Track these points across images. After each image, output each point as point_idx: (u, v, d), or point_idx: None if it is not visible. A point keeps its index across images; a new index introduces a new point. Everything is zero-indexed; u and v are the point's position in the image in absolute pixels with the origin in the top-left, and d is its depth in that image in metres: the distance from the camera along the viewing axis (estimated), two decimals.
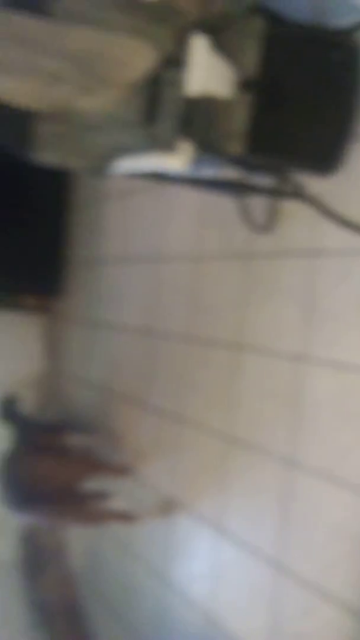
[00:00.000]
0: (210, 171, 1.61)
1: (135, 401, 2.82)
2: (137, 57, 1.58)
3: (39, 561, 3.22)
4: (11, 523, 3.39)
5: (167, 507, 2.47)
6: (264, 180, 1.81)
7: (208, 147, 1.43)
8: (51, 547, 3.22)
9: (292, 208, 1.96)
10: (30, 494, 2.40)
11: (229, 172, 1.72)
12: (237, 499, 2.18)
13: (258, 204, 2.06)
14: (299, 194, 1.68)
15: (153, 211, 2.81)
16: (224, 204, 2.26)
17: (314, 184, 1.76)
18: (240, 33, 1.60)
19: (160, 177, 1.65)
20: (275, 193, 1.81)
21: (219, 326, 2.36)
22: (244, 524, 2.14)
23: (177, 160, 1.39)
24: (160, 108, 1.54)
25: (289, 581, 1.90)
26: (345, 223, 1.67)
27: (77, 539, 3.23)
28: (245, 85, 1.52)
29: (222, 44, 1.56)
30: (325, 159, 1.59)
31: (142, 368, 2.82)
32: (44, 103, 1.53)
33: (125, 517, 2.54)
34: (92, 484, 2.61)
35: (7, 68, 1.49)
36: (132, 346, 2.92)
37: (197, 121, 1.48)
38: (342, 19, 1.64)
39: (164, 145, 1.43)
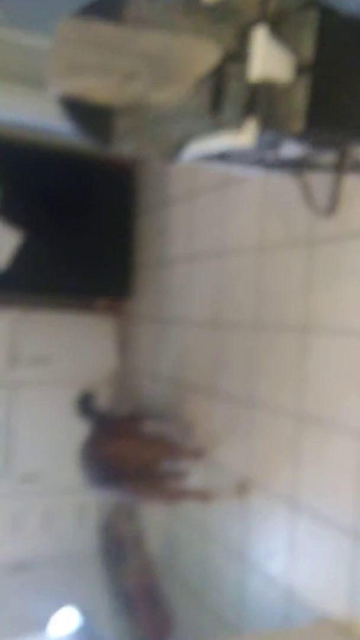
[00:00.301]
0: (272, 152, 1.73)
1: (206, 390, 2.93)
2: (202, 54, 1.73)
3: (119, 550, 3.35)
4: (91, 514, 3.56)
5: (242, 487, 2.55)
6: (325, 157, 1.91)
7: (272, 126, 1.56)
8: (130, 536, 3.35)
9: (353, 189, 2.05)
10: (110, 473, 2.54)
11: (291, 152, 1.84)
12: (311, 474, 2.25)
13: (320, 188, 2.16)
14: (358, 168, 1.77)
15: (216, 209, 2.94)
16: (286, 195, 2.38)
17: None
18: (297, 25, 1.72)
19: (226, 158, 1.78)
20: (336, 168, 1.91)
21: (285, 311, 2.46)
22: (319, 497, 2.20)
23: (244, 137, 1.52)
24: (225, 98, 1.68)
25: None
26: None
27: (155, 526, 3.34)
28: (303, 69, 1.65)
29: (280, 35, 1.69)
30: None
31: (211, 358, 2.93)
32: (120, 99, 1.70)
33: (201, 495, 2.64)
34: (168, 465, 2.74)
35: (87, 69, 1.67)
36: (201, 339, 3.05)
37: (260, 104, 1.60)
38: None
39: (230, 128, 1.56)
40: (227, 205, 2.87)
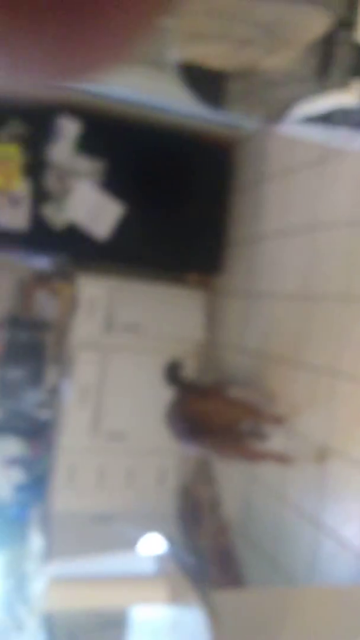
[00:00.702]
0: None
1: (291, 361, 3.02)
2: (315, 22, 1.82)
3: (195, 512, 3.50)
4: (172, 476, 3.72)
5: (321, 453, 2.62)
6: None
7: None
8: (207, 499, 3.49)
9: None
10: (195, 430, 2.68)
11: None
12: None
13: None
14: None
15: (312, 185, 3.01)
16: None
17: None
18: None
19: (331, 120, 1.86)
20: None
21: None
22: None
23: (349, 96, 1.60)
24: (333, 62, 1.77)
25: None
26: None
27: (232, 490, 3.46)
28: None
29: None
30: None
31: (297, 331, 3.01)
32: (233, 64, 1.82)
33: (281, 458, 2.73)
34: (251, 427, 2.85)
35: (204, 36, 1.81)
36: (288, 312, 3.13)
37: None
38: None
39: (337, 90, 1.65)
40: (323, 180, 2.94)
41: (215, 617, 1.39)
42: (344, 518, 2.52)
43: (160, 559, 1.77)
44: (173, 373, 3.27)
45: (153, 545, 1.85)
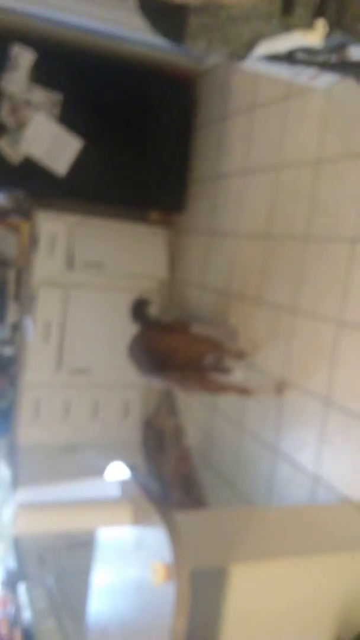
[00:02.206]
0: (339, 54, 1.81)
1: (252, 299, 3.11)
2: None
3: (159, 441, 3.65)
4: (136, 408, 3.85)
5: (280, 385, 2.76)
6: None
7: (341, 27, 1.63)
8: (170, 429, 3.64)
9: None
10: (160, 362, 2.78)
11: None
12: (346, 374, 2.42)
13: None
14: None
15: (276, 123, 3.02)
16: (349, 106, 2.43)
17: None
18: None
19: (293, 59, 1.87)
20: None
21: (337, 223, 2.56)
22: (351, 395, 2.38)
23: (313, 36, 1.61)
24: (297, 2, 1.75)
25: None
26: None
27: (194, 420, 3.62)
28: None
29: None
30: None
31: (259, 269, 3.08)
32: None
33: (242, 390, 2.86)
34: (213, 361, 2.96)
35: None
36: (250, 251, 3.19)
37: (330, 7, 1.67)
38: None
39: (300, 29, 1.65)
40: (286, 118, 2.94)
41: (176, 535, 1.51)
42: (298, 446, 2.68)
43: (124, 484, 1.88)
44: (140, 310, 3.30)
45: (118, 472, 1.96)
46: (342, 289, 2.49)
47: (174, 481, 3.43)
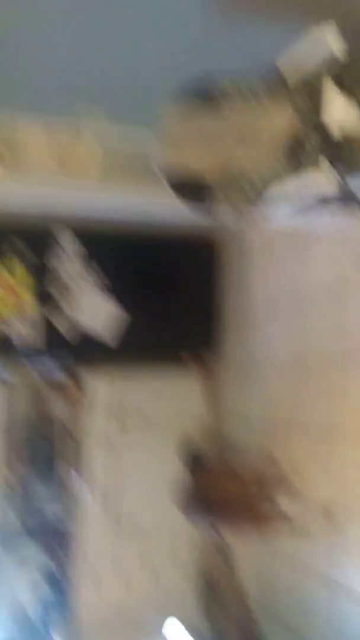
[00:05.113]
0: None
1: (290, 425, 3.14)
2: (280, 118, 2.11)
3: (218, 597, 3.44)
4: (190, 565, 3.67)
5: (329, 513, 2.67)
6: None
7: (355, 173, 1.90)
8: (227, 582, 3.45)
9: None
10: (208, 504, 2.75)
11: None
12: None
13: None
14: None
15: (293, 259, 3.30)
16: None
17: None
18: None
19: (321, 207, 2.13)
20: None
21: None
22: None
23: (320, 179, 1.87)
24: (304, 153, 2.04)
25: None
26: None
27: (249, 564, 3.47)
28: None
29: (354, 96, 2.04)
30: None
31: (295, 396, 3.17)
32: (209, 162, 2.10)
33: (293, 522, 2.78)
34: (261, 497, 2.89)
35: (182, 139, 2.11)
36: (284, 379, 3.30)
37: (345, 157, 1.95)
38: None
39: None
40: (302, 255, 3.22)
41: None
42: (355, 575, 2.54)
43: None
44: (197, 464, 3.31)
45: (175, 630, 1.88)
46: None
47: (237, 637, 3.17)
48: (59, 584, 3.61)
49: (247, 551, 3.45)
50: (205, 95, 2.11)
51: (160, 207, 3.40)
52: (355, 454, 2.64)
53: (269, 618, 3.21)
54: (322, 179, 1.94)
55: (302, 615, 2.93)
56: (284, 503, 2.90)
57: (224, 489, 2.84)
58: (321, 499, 2.80)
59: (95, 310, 3.77)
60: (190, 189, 2.18)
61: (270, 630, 3.16)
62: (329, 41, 1.97)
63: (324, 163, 1.93)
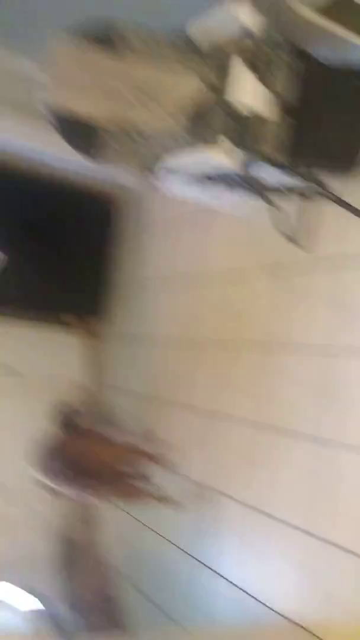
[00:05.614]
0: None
1: (171, 403, 3.08)
2: (185, 85, 1.93)
3: (73, 557, 3.41)
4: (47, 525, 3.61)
5: (202, 492, 2.68)
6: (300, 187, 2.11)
7: (256, 155, 1.76)
8: (85, 543, 3.42)
9: (327, 219, 2.24)
10: (75, 470, 2.64)
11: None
12: (266, 477, 2.39)
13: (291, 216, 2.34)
14: (324, 193, 1.98)
15: (189, 238, 3.17)
16: (256, 224, 2.58)
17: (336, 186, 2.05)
18: (277, 67, 1.93)
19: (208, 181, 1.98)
20: (306, 193, 2.12)
21: (250, 329, 2.64)
22: (271, 499, 2.34)
23: (219, 153, 1.72)
24: (204, 123, 1.87)
25: (316, 542, 2.09)
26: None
27: (110, 530, 3.44)
28: (282, 107, 1.86)
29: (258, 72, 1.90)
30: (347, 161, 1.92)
31: (179, 374, 3.09)
32: (100, 114, 1.87)
33: (161, 497, 2.74)
34: (131, 468, 2.84)
35: (79, 88, 1.86)
36: (169, 356, 3.21)
37: (246, 134, 1.81)
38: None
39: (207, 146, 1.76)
40: (198, 234, 3.11)
41: None
42: (220, 551, 2.58)
43: (29, 614, 1.71)
44: (71, 420, 3.17)
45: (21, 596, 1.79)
46: (260, 392, 2.51)
47: (92, 602, 3.16)
48: None
49: (114, 518, 3.42)
50: (105, 38, 1.86)
51: (49, 148, 3.10)
52: (234, 437, 2.62)
53: (130, 587, 3.22)
54: (222, 157, 1.79)
55: (164, 587, 2.95)
56: (158, 477, 2.86)
57: (95, 457, 2.73)
58: (196, 477, 2.79)
59: None
60: (77, 131, 1.93)
61: (130, 599, 3.18)
62: (242, 17, 1.79)
63: (226, 141, 1.77)
